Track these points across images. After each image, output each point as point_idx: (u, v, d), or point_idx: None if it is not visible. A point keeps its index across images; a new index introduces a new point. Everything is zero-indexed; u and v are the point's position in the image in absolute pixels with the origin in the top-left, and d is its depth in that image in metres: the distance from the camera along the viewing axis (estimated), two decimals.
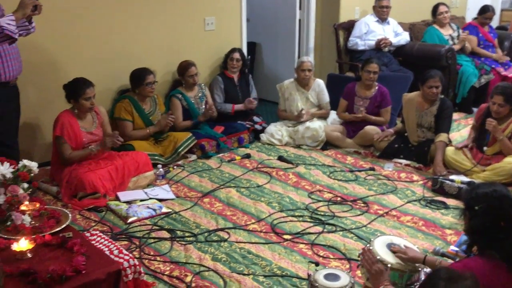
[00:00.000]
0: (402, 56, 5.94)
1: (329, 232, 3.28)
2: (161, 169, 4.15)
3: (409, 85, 5.33)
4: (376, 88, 4.86)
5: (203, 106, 4.86)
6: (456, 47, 6.00)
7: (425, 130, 4.45)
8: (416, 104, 4.46)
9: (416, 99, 4.47)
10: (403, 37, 6.02)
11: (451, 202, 3.69)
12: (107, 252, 2.60)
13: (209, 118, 4.82)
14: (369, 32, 5.92)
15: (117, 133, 3.97)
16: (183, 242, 3.17)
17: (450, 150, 4.21)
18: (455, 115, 5.54)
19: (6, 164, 1.81)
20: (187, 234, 3.26)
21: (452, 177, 3.91)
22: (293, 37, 6.16)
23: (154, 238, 3.22)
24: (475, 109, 5.47)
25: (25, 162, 1.89)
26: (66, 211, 2.61)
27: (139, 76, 4.36)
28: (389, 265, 2.44)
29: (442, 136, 4.27)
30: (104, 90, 4.43)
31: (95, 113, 4.00)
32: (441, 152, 4.18)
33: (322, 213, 3.54)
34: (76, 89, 3.77)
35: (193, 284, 2.72)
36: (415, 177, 4.14)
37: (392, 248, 2.46)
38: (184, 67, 4.80)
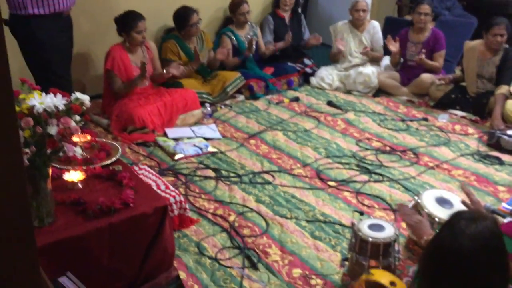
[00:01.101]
0: (466, 1, 5.58)
1: (375, 181, 3.23)
2: (208, 108, 4.16)
3: (472, 32, 5.04)
4: (430, 31, 4.61)
5: (254, 46, 4.77)
6: None
7: (486, 81, 4.23)
8: (478, 52, 4.21)
9: (478, 48, 4.23)
10: None
11: (506, 158, 3.55)
12: (155, 187, 2.67)
13: (252, 52, 4.69)
14: None
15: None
16: (228, 182, 3.20)
17: (510, 103, 3.99)
18: None
19: (59, 96, 1.83)
20: (232, 175, 3.29)
21: (510, 131, 3.73)
22: None
23: (199, 176, 3.26)
24: None
25: (78, 94, 1.90)
26: (116, 144, 2.66)
27: (183, 17, 4.28)
28: (437, 219, 2.39)
29: (503, 88, 4.05)
30: (153, 24, 4.38)
31: (146, 48, 3.99)
32: (501, 105, 3.97)
33: (370, 162, 3.48)
34: (128, 22, 3.76)
35: (236, 224, 2.77)
36: (471, 130, 3.99)
37: (462, 186, 2.30)
38: (236, 4, 4.68)
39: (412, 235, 2.37)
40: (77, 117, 1.87)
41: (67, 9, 3.38)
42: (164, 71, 3.99)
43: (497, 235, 1.50)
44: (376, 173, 3.33)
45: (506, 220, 2.72)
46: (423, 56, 4.47)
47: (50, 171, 1.95)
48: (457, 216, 1.56)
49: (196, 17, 4.30)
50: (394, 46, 4.62)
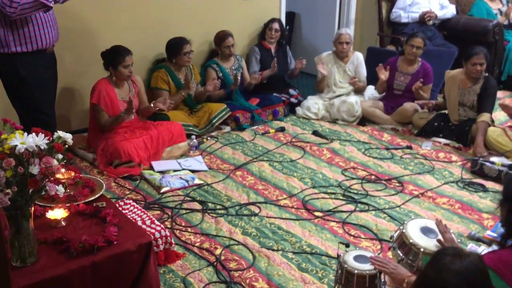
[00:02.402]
0: (447, 30, 5.72)
1: (361, 211, 3.24)
2: (194, 140, 4.16)
3: (452, 61, 5.14)
4: (420, 64, 4.70)
5: (239, 79, 4.81)
6: (501, 19, 5.71)
7: (467, 109, 4.30)
8: (459, 81, 4.29)
9: (459, 76, 4.31)
10: (449, 10, 5.78)
11: (490, 185, 3.58)
12: (140, 222, 2.66)
13: (237, 85, 4.73)
14: (414, 4, 5.71)
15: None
16: (214, 215, 3.19)
17: (492, 130, 4.05)
18: (500, 93, 5.31)
19: (41, 135, 1.83)
20: (218, 207, 3.28)
21: (492, 158, 3.78)
22: (333, 7, 6.01)
23: (186, 209, 3.25)
24: None
25: (60, 133, 1.91)
26: (101, 180, 2.65)
27: (177, 46, 4.34)
28: (421, 250, 2.40)
29: (485, 116, 4.12)
30: (140, 59, 4.42)
31: (132, 82, 4.02)
32: (483, 133, 4.03)
33: (355, 191, 3.49)
34: (115, 57, 3.79)
35: (223, 257, 2.74)
36: (454, 158, 4.03)
37: (437, 223, 2.39)
38: (221, 37, 4.74)
39: (393, 283, 2.37)
40: (60, 156, 1.87)
41: (51, 45, 3.41)
42: (152, 105, 4.01)
43: (483, 271, 1.51)
44: (362, 203, 3.33)
45: (491, 248, 2.74)
46: (420, 85, 4.52)
47: (32, 210, 1.93)
48: (442, 252, 1.56)
49: (189, 47, 4.36)
50: (384, 75, 4.69)
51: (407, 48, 4.66)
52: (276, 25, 5.09)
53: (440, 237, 2.38)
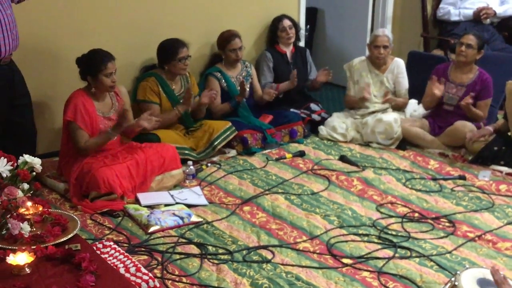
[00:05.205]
0: (508, 31, 5.74)
1: (402, 257, 3.23)
2: (191, 167, 4.19)
3: None
4: (477, 73, 4.72)
5: (248, 89, 4.85)
6: None
7: None
8: None
9: None
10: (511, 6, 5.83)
11: None
12: (122, 270, 2.67)
13: (245, 96, 4.78)
14: None
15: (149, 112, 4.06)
16: (216, 261, 3.19)
17: None
18: None
19: (3, 160, 1.86)
20: (220, 251, 3.28)
21: None
22: (366, 2, 6.07)
23: (180, 253, 3.25)
24: None
25: (26, 157, 1.94)
26: (74, 216, 2.67)
27: (170, 49, 4.41)
28: None
29: None
30: (124, 65, 4.48)
31: (115, 94, 4.07)
32: None
33: (394, 233, 3.49)
34: (95, 63, 3.84)
35: None
36: None
37: (493, 272, 2.36)
38: (226, 39, 4.81)
39: None
40: (25, 186, 1.90)
41: (7, 55, 3.49)
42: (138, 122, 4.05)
43: None
44: (402, 247, 3.32)
45: None
46: (471, 101, 4.54)
47: None
48: None
49: (186, 51, 4.42)
50: (439, 90, 4.68)
51: (457, 48, 4.69)
52: (287, 22, 5.16)
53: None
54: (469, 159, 4.50)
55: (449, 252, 3.29)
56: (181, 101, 4.51)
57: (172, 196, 3.88)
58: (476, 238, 3.44)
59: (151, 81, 4.45)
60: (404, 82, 5.03)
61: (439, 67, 4.86)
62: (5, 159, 1.85)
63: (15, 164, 1.91)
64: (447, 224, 3.61)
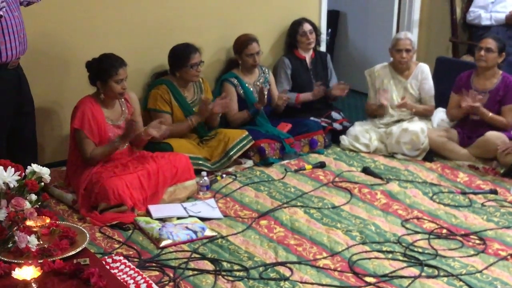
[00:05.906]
0: None
1: (428, 277, 3.21)
2: (205, 178, 4.20)
3: None
4: (500, 77, 4.70)
5: (266, 96, 4.85)
6: None
7: None
8: None
9: None
10: None
11: None
12: (133, 286, 2.68)
13: (264, 103, 4.78)
14: (498, 1, 5.74)
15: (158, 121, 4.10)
16: (231, 278, 3.19)
17: None
18: None
19: (10, 170, 1.88)
20: (236, 267, 3.28)
21: None
22: (391, 5, 6.07)
23: (193, 269, 3.25)
24: None
25: (35, 167, 1.96)
26: (83, 229, 2.69)
27: (181, 55, 4.43)
28: None
29: None
30: (135, 71, 4.50)
31: (125, 101, 4.10)
32: None
33: (420, 250, 3.47)
34: (106, 68, 3.87)
35: None
36: None
37: None
38: (243, 43, 4.83)
39: None
40: (33, 197, 1.92)
41: (14, 59, 3.53)
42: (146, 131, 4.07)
43: None
44: (429, 266, 3.31)
45: None
46: (479, 105, 4.53)
47: None
48: None
49: (198, 57, 4.45)
50: (467, 102, 4.63)
51: (476, 53, 4.68)
52: (308, 26, 5.17)
53: None
54: (501, 172, 4.47)
55: (480, 272, 3.26)
56: (194, 109, 4.53)
57: (185, 208, 3.89)
58: (509, 257, 3.41)
59: (162, 89, 4.47)
60: (429, 88, 5.01)
61: (463, 75, 4.84)
62: (13, 168, 1.87)
63: (23, 174, 1.93)
64: (477, 241, 3.58)
